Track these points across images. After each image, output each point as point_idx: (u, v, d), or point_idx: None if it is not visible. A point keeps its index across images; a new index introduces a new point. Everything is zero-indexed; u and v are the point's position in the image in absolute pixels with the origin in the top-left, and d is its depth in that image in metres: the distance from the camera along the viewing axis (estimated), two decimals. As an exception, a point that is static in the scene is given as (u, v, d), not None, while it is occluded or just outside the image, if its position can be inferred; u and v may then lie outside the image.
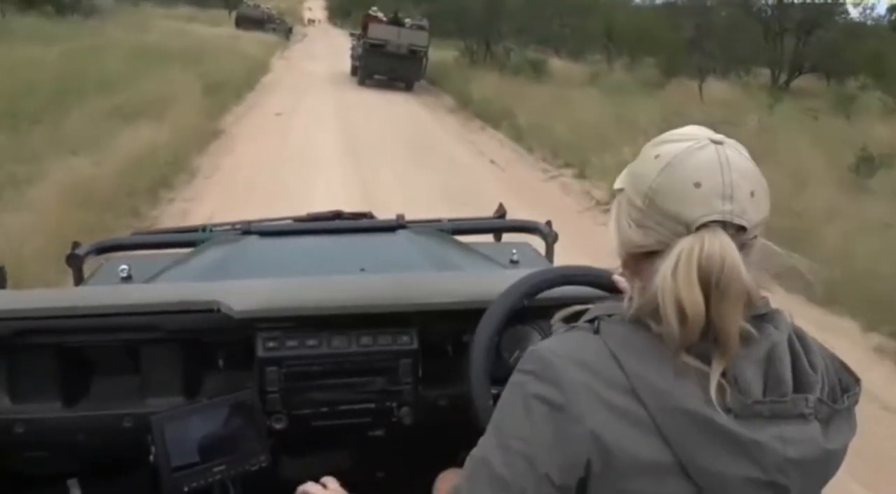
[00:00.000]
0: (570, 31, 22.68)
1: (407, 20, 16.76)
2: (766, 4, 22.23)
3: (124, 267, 1.86)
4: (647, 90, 16.23)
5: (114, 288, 1.64)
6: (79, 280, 1.89)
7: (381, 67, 16.05)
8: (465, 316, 1.25)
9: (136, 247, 2.12)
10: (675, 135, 0.81)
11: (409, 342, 1.33)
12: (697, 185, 0.75)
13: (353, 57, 18.02)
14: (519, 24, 18.80)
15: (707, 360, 0.73)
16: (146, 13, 24.86)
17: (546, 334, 1.38)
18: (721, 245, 0.72)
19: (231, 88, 12.70)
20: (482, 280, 1.52)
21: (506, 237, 2.35)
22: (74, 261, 1.86)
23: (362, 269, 1.62)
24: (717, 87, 17.45)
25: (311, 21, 53.45)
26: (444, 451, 1.42)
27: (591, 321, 0.81)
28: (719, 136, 0.79)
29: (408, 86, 16.50)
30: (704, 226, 0.74)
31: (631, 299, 0.80)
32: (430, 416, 1.37)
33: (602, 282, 1.23)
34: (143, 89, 9.98)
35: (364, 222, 2.11)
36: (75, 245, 1.89)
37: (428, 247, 1.84)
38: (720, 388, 0.72)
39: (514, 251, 2.11)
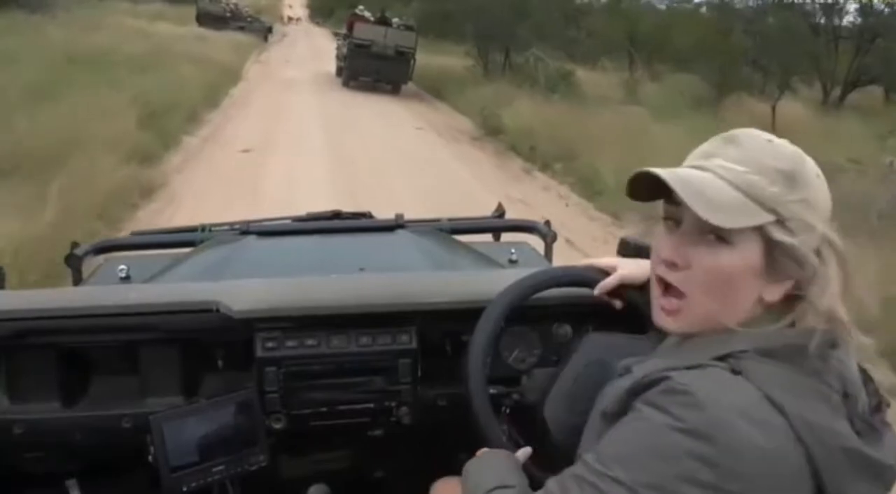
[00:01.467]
0: (586, 34, 19.28)
1: (394, 20, 16.12)
2: (817, 5, 18.16)
3: (123, 267, 1.86)
4: (699, 108, 13.24)
5: (112, 289, 1.64)
6: (77, 280, 1.89)
7: (367, 68, 15.42)
8: (464, 316, 1.25)
9: (134, 247, 2.12)
10: (797, 151, 0.80)
11: (408, 341, 1.33)
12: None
13: (337, 57, 17.35)
14: (535, 27, 15.99)
15: (841, 389, 0.73)
16: (108, 9, 21.23)
17: (545, 334, 1.38)
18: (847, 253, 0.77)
19: (184, 110, 9.58)
20: (481, 279, 1.51)
21: (505, 237, 2.35)
22: (73, 261, 1.85)
23: (361, 269, 1.62)
24: (786, 107, 14.03)
25: (291, 19, 48.92)
26: (444, 451, 1.42)
27: (722, 358, 0.75)
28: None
29: (394, 89, 15.90)
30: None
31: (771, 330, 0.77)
32: (429, 416, 1.37)
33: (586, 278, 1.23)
34: (44, 120, 6.37)
35: (363, 222, 2.11)
36: (74, 245, 1.89)
37: (427, 247, 1.84)
38: (851, 414, 0.73)
39: (513, 250, 2.11)
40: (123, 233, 3.97)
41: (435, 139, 10.65)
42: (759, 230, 0.76)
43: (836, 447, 0.69)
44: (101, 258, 2.04)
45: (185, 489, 1.21)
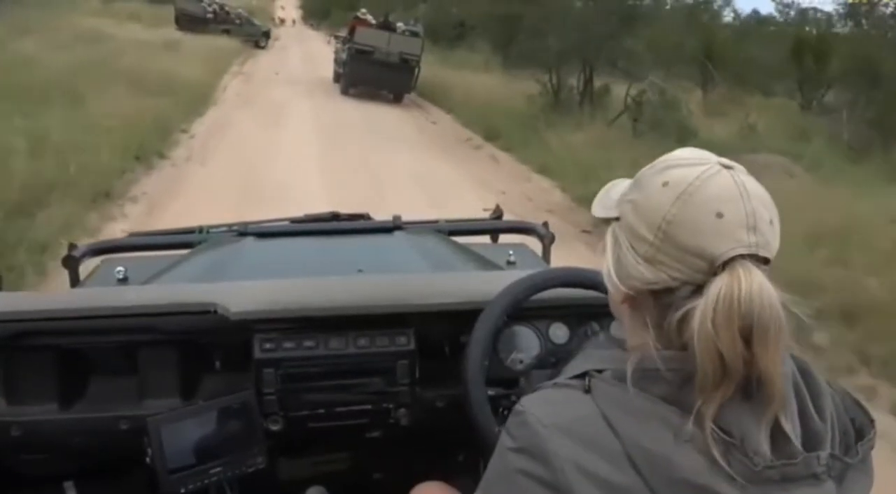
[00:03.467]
0: (647, 45, 12.65)
1: (399, 24, 15.00)
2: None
3: (121, 268, 1.86)
4: (859, 158, 9.40)
5: (110, 290, 1.64)
6: (75, 281, 1.88)
7: (368, 76, 14.22)
8: (462, 317, 1.25)
9: (132, 248, 2.12)
10: (679, 160, 0.73)
11: (406, 343, 1.33)
12: (720, 216, 0.68)
13: (336, 61, 16.25)
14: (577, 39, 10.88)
15: (701, 419, 0.66)
16: (76, 8, 18.78)
17: (542, 336, 1.38)
18: (759, 283, 0.65)
19: (85, 186, 5.42)
20: (479, 281, 1.52)
21: (503, 238, 2.35)
22: (71, 263, 1.85)
23: (360, 270, 1.62)
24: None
25: (283, 21, 44.48)
26: (442, 452, 1.43)
27: (581, 376, 0.74)
28: (727, 160, 0.73)
29: (396, 98, 14.76)
30: (731, 261, 0.67)
31: (631, 347, 0.74)
32: (427, 417, 1.37)
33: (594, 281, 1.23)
34: None
35: (361, 223, 2.11)
36: (72, 246, 1.89)
37: (425, 248, 1.84)
38: (725, 452, 0.65)
39: (511, 252, 2.11)
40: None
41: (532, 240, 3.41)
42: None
43: (679, 479, 0.65)
44: (98, 259, 2.04)
45: (182, 491, 1.21)
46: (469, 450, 1.10)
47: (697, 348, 0.65)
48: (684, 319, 0.68)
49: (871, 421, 0.76)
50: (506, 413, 1.26)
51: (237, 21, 24.73)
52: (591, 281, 1.24)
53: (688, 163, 0.72)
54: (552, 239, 2.12)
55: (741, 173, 0.71)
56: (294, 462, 1.50)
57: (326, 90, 15.22)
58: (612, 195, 0.81)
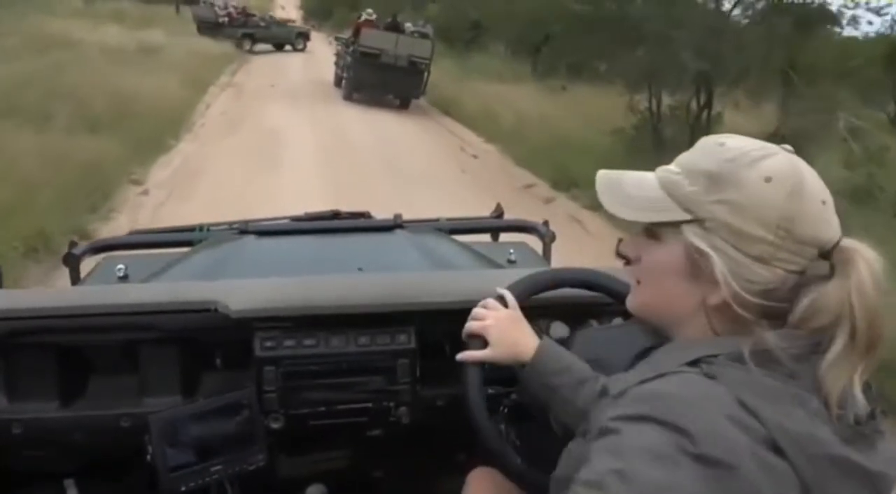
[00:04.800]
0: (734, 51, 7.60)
1: (408, 25, 13.78)
2: None
3: (121, 266, 1.86)
4: None
5: (111, 288, 1.64)
6: (75, 279, 1.88)
7: (374, 81, 13.09)
8: (462, 316, 1.25)
9: (133, 246, 2.12)
10: (751, 149, 0.73)
11: (406, 341, 1.33)
12: (824, 203, 0.71)
13: (337, 65, 15.20)
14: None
15: (820, 393, 0.68)
16: (49, 8, 17.05)
17: (543, 332, 1.38)
18: (877, 260, 0.70)
19: None
20: (480, 279, 1.52)
21: (503, 237, 2.35)
22: (71, 261, 1.85)
23: (360, 269, 1.62)
24: None
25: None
26: (442, 451, 1.43)
27: (693, 363, 0.72)
28: (784, 145, 0.75)
29: (403, 104, 13.51)
30: (838, 243, 0.70)
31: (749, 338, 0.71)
32: (427, 416, 1.37)
33: (612, 289, 1.23)
34: None
35: (362, 222, 2.10)
36: (72, 244, 1.89)
37: (425, 247, 1.84)
38: (841, 419, 0.67)
39: (512, 251, 2.11)
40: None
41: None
42: (680, 229, 0.76)
43: (820, 454, 0.65)
44: (99, 257, 2.04)
45: (183, 488, 1.21)
46: (469, 449, 1.10)
47: (859, 323, 0.67)
48: (812, 304, 0.69)
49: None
50: (505, 411, 1.27)
51: (262, 23, 22.14)
52: (583, 281, 1.24)
53: (764, 152, 0.73)
54: (553, 237, 2.12)
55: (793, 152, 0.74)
56: (294, 460, 1.50)
57: (330, 102, 13.07)
58: (646, 193, 0.78)
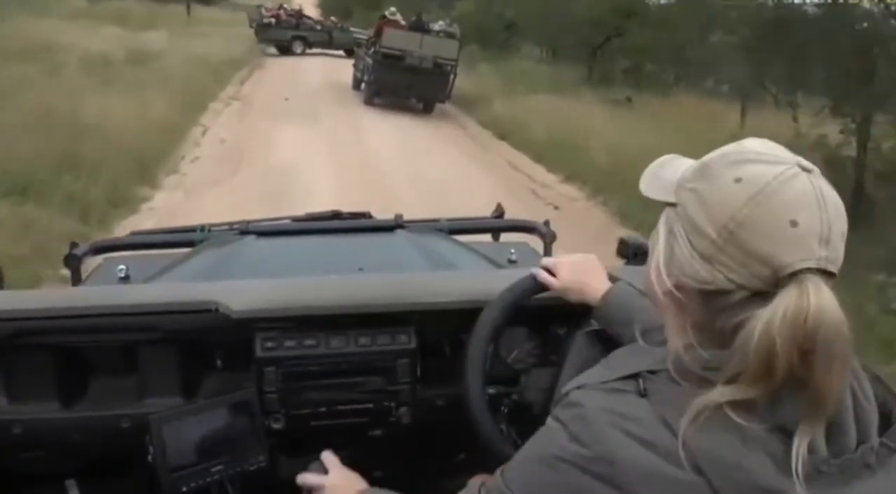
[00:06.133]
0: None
1: (433, 25, 13.04)
2: None
3: (122, 267, 1.86)
4: None
5: (112, 289, 1.64)
6: (76, 280, 1.88)
7: (397, 84, 12.37)
8: (463, 316, 1.25)
9: (133, 247, 2.12)
10: (756, 154, 0.68)
11: (407, 342, 1.33)
12: (794, 224, 0.63)
13: (356, 66, 14.56)
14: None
15: (772, 423, 0.64)
16: (48, 8, 16.04)
17: (544, 334, 1.38)
18: (828, 302, 0.62)
19: None
20: (480, 279, 1.51)
21: (504, 237, 2.35)
22: (72, 261, 1.85)
23: (360, 269, 1.62)
24: None
25: None
26: (443, 451, 1.43)
27: (633, 377, 0.71)
28: (807, 163, 0.67)
29: (426, 108, 12.88)
30: (798, 273, 0.63)
31: (680, 348, 0.70)
32: (428, 416, 1.37)
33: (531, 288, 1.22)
34: None
35: (362, 222, 2.10)
36: (73, 245, 1.89)
37: (426, 247, 1.84)
38: (786, 451, 0.62)
39: (513, 250, 2.11)
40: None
41: None
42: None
43: (746, 483, 0.62)
44: (99, 258, 2.04)
45: (184, 489, 1.21)
46: (470, 449, 1.10)
47: (752, 356, 0.62)
48: (740, 325, 0.64)
49: None
50: (506, 411, 1.27)
51: (317, 27, 20.54)
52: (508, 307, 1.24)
53: (765, 160, 0.67)
54: (553, 237, 2.11)
55: (819, 178, 0.66)
56: (295, 460, 1.50)
57: (353, 117, 11.30)
58: (666, 174, 0.76)
